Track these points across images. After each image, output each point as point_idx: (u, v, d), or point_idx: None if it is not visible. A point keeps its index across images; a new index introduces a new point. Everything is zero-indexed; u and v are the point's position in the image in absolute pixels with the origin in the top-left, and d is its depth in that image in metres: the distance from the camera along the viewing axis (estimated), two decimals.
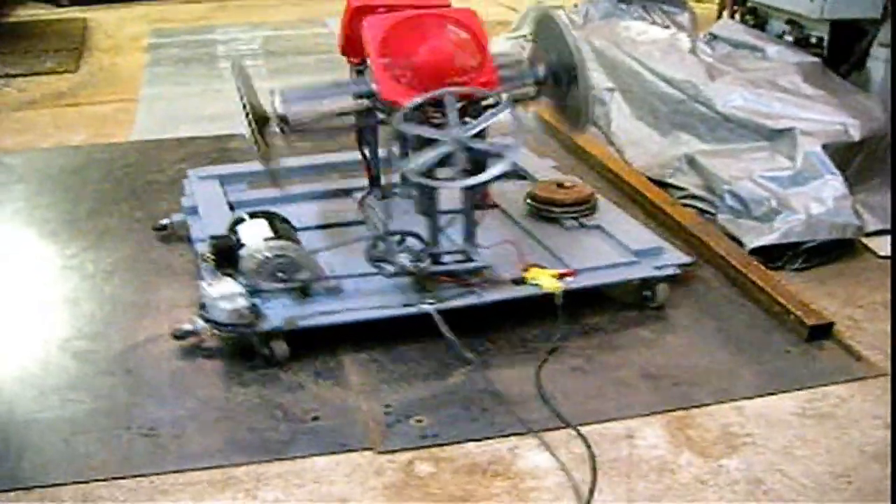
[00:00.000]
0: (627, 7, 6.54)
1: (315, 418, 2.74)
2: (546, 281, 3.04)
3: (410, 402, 2.81)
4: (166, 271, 3.59)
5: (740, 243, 3.70)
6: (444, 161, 2.86)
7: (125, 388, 2.89)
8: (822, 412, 2.75)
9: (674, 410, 2.77)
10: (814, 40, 4.94)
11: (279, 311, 2.92)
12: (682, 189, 4.25)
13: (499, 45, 6.81)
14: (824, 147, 3.83)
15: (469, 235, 3.06)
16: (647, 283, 3.22)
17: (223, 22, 8.31)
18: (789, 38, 5.04)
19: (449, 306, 2.94)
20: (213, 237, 3.17)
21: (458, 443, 2.63)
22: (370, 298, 3.01)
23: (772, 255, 3.60)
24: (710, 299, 3.38)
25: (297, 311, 2.93)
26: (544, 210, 3.59)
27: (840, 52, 4.91)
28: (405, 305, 2.96)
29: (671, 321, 3.23)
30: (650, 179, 4.35)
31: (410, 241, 3.07)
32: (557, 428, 2.67)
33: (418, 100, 2.92)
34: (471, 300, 3.00)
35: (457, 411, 2.76)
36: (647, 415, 2.75)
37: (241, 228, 3.14)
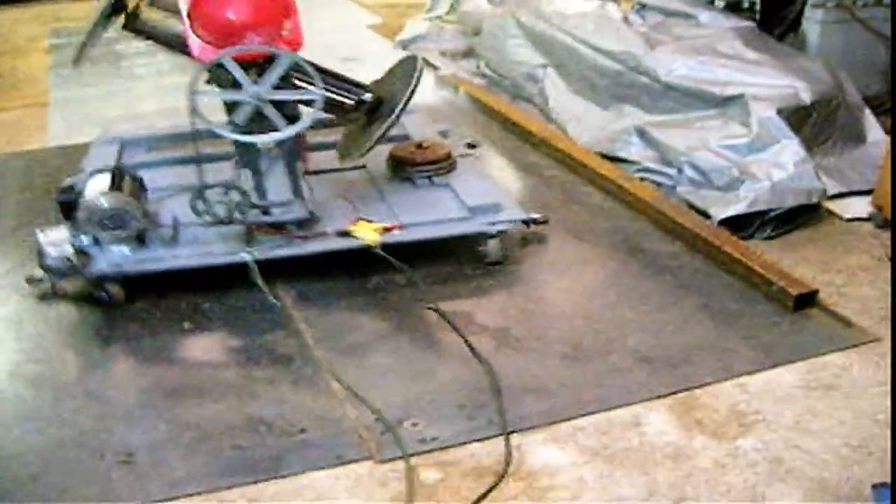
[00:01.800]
0: None
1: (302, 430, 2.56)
2: (367, 234, 3.21)
3: None
4: None
5: (705, 215, 3.62)
6: (257, 117, 3.01)
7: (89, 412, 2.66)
8: (825, 383, 2.69)
9: (676, 393, 2.68)
10: (746, 4, 4.92)
11: (115, 258, 3.13)
12: (634, 163, 4.16)
13: (417, 26, 6.67)
14: (778, 112, 3.77)
15: (294, 189, 3.22)
16: (480, 238, 3.32)
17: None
18: (720, 4, 5.00)
19: (266, 256, 3.14)
20: (60, 189, 3.29)
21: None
22: (199, 247, 3.19)
23: (739, 225, 3.54)
24: (687, 274, 3.31)
25: (130, 257, 3.14)
26: (400, 169, 3.70)
27: (771, 16, 4.90)
28: (227, 254, 3.15)
29: (653, 300, 3.13)
30: (601, 155, 4.24)
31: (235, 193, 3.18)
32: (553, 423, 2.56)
33: (209, 58, 2.98)
34: (291, 251, 3.19)
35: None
36: (650, 399, 2.65)
37: (88, 182, 3.28)
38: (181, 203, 3.26)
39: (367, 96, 3.42)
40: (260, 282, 3.08)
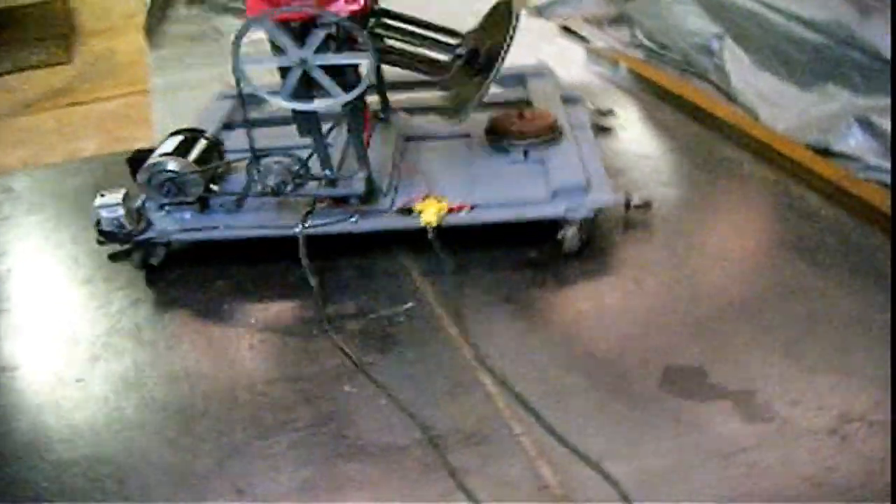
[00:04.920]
0: None
1: None
2: (429, 214, 2.96)
3: None
4: None
5: None
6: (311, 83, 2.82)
7: None
8: None
9: None
10: None
11: (169, 224, 3.07)
12: (856, 160, 3.42)
13: None
14: None
15: (358, 159, 3.01)
16: (558, 224, 2.98)
17: None
18: None
19: (317, 231, 2.97)
20: (137, 150, 3.22)
21: None
22: (258, 218, 3.07)
23: None
24: None
25: (185, 223, 3.08)
26: (497, 139, 3.34)
27: None
28: (280, 227, 3.00)
29: None
30: (810, 148, 3.52)
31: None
32: None
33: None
34: (344, 227, 3.00)
35: None
36: None
37: (162, 142, 3.20)
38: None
39: (461, 50, 3.08)
40: (303, 260, 2.90)
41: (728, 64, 4.22)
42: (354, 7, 2.83)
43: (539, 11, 5.88)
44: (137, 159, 3.13)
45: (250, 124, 2.94)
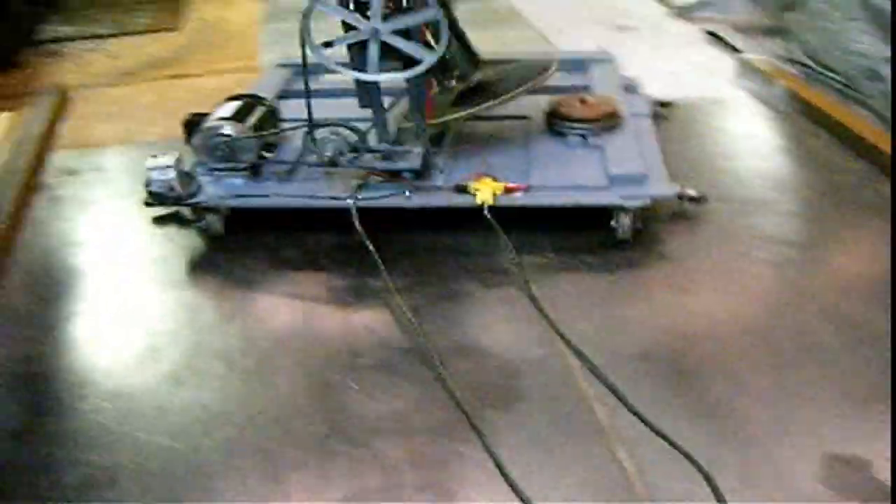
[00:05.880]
0: None
1: None
2: (484, 193, 2.92)
3: None
4: None
5: None
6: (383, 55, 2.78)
7: None
8: None
9: None
10: None
11: (220, 189, 3.04)
12: None
13: None
14: None
15: (417, 136, 2.99)
16: (611, 211, 2.92)
17: None
18: None
19: (367, 204, 2.91)
20: (193, 113, 3.19)
21: None
22: (309, 187, 3.04)
23: None
24: None
25: (236, 189, 3.05)
26: (556, 123, 3.33)
27: None
28: (331, 198, 2.95)
29: None
30: None
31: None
32: None
33: None
34: (396, 201, 2.96)
35: None
36: None
37: (218, 107, 3.17)
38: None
39: (477, 76, 3.22)
40: (359, 228, 2.81)
41: None
42: None
43: (681, 13, 5.43)
44: (193, 122, 3.11)
45: (309, 94, 2.90)
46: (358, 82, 2.90)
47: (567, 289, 2.73)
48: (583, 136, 3.26)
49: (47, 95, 4.40)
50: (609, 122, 3.28)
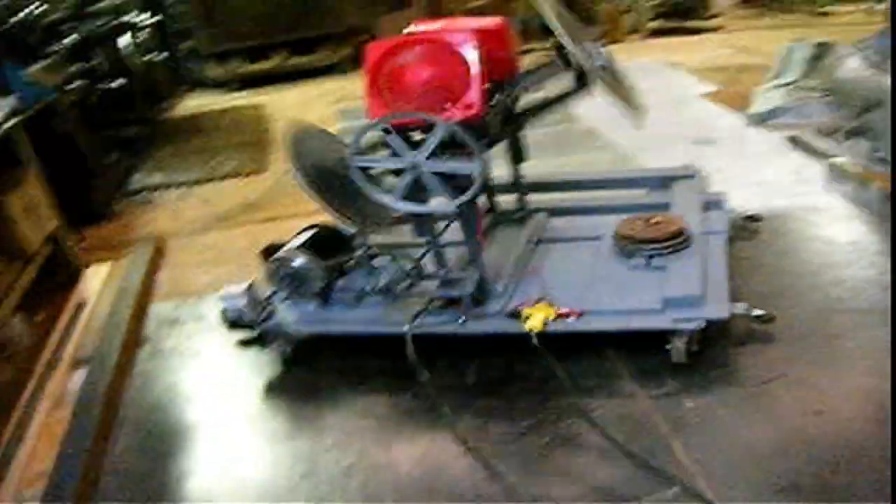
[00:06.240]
0: None
1: None
2: (535, 319, 2.92)
3: None
4: None
5: None
6: (421, 186, 2.91)
7: None
8: None
9: None
10: None
11: (289, 316, 3.21)
12: None
13: (770, 96, 5.47)
14: None
15: (472, 261, 3.09)
16: (667, 335, 2.87)
17: None
18: None
19: (423, 331, 2.97)
20: (271, 243, 3.37)
21: None
22: (373, 314, 3.14)
23: None
24: None
25: (305, 316, 3.20)
26: (622, 245, 3.30)
27: None
28: (391, 325, 3.02)
29: None
30: None
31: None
32: None
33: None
34: (450, 328, 3.00)
35: None
36: None
37: (293, 238, 3.32)
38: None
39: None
40: (411, 355, 2.88)
41: None
42: (470, 113, 2.87)
43: (759, 120, 5.40)
44: (271, 251, 3.27)
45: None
46: (414, 215, 3.04)
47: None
48: (648, 256, 3.21)
49: (144, 244, 4.51)
50: (675, 241, 3.22)
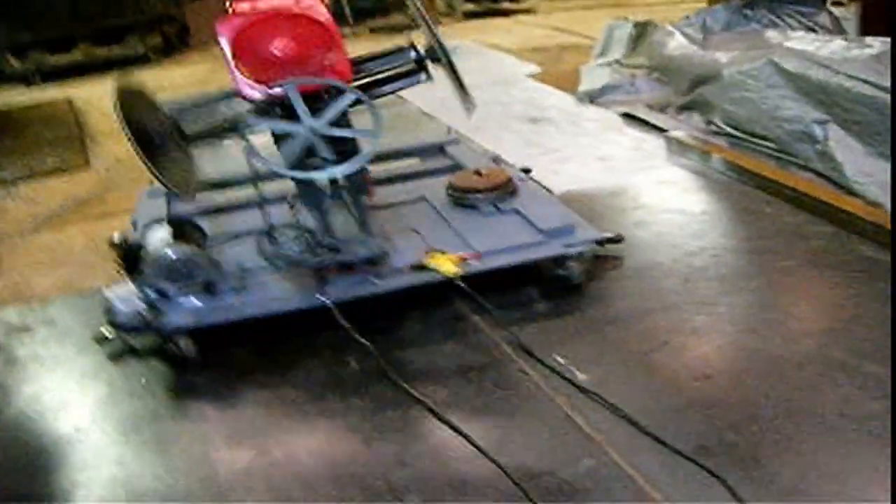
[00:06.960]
0: (753, 13, 5.44)
1: None
2: (445, 266, 3.07)
3: None
4: None
5: None
6: (311, 152, 2.92)
7: None
8: None
9: None
10: None
11: (186, 310, 3.04)
12: None
13: (597, 75, 5.61)
14: None
15: (362, 225, 3.16)
16: (560, 261, 3.21)
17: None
18: None
19: (342, 297, 3.01)
20: (118, 244, 3.12)
21: None
22: (271, 293, 3.09)
23: None
24: None
25: (202, 308, 3.05)
26: (463, 198, 3.61)
27: None
28: (303, 299, 3.03)
29: None
30: None
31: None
32: None
33: (258, 95, 2.98)
34: (367, 290, 3.06)
35: None
36: None
37: (147, 234, 3.23)
38: (242, 249, 3.28)
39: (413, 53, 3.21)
40: (345, 323, 2.92)
41: (835, 152, 3.86)
42: (343, 80, 2.98)
43: (590, 98, 5.54)
44: (128, 252, 3.09)
45: (263, 202, 3.11)
46: (298, 182, 3.04)
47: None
48: (494, 203, 3.54)
49: None
50: (510, 188, 3.61)
